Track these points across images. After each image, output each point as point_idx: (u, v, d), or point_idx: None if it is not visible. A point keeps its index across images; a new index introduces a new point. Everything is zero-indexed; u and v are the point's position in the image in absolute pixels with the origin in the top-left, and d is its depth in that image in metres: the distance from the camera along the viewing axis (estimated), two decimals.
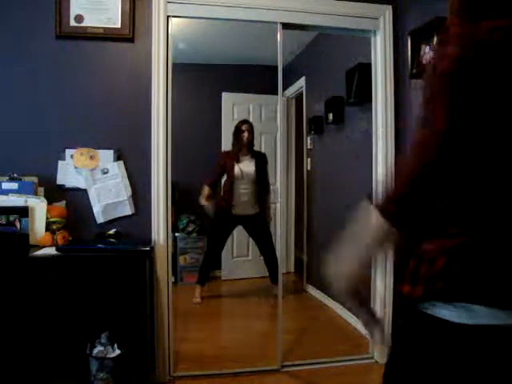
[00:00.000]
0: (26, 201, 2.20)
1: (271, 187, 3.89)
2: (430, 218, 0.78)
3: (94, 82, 2.40)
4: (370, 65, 2.73)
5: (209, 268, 3.91)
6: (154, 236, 2.42)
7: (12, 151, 2.31)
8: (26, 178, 2.28)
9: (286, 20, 2.56)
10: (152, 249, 2.32)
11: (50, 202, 2.27)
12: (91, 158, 2.39)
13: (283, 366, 2.63)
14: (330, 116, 3.63)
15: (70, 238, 2.25)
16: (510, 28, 0.71)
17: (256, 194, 3.78)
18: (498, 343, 0.73)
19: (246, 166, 3.76)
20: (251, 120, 4.08)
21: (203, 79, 4.40)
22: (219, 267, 4.33)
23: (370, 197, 0.84)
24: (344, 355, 2.73)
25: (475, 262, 0.74)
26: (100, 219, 2.40)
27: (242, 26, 2.73)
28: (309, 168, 4.33)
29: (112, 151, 2.41)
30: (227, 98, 4.39)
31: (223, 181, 3.87)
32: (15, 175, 2.26)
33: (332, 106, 3.60)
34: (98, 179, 2.41)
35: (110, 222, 2.41)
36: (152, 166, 2.42)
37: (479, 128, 0.72)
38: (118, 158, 2.42)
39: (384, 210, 0.78)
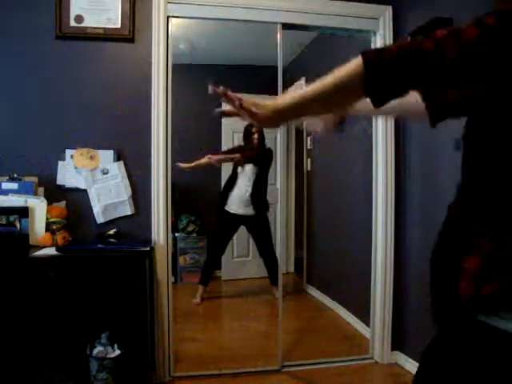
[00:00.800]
0: (26, 201, 2.20)
1: (271, 187, 3.89)
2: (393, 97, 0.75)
3: (94, 82, 2.40)
4: None
5: (212, 268, 3.91)
6: (154, 236, 2.42)
7: (12, 151, 2.31)
8: (26, 178, 2.28)
9: (286, 20, 2.56)
10: (152, 249, 2.32)
11: (50, 202, 2.27)
12: (91, 158, 2.39)
13: (283, 367, 2.62)
14: None
15: (70, 239, 2.25)
16: None
17: (256, 195, 3.78)
18: None
19: (247, 166, 3.76)
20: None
21: (203, 79, 4.38)
22: (219, 267, 4.33)
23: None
24: (344, 355, 2.73)
25: None
26: (100, 219, 2.40)
27: (241, 26, 2.73)
28: (309, 168, 4.33)
29: (112, 151, 2.41)
30: None
31: (224, 181, 3.88)
32: (15, 175, 2.26)
33: None
34: (98, 179, 2.41)
35: (110, 222, 2.41)
36: (152, 166, 2.42)
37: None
38: (118, 158, 2.42)
39: (366, 52, 0.75)
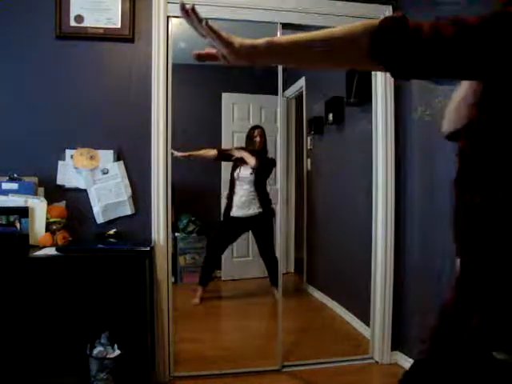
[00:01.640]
0: (26, 201, 2.20)
1: (271, 187, 3.88)
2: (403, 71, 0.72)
3: (94, 82, 2.40)
4: None
5: (210, 268, 3.91)
6: (153, 236, 2.42)
7: (12, 151, 2.31)
8: (26, 178, 2.28)
9: (285, 20, 2.56)
10: (152, 249, 2.32)
11: (49, 202, 2.27)
12: (91, 158, 2.39)
13: (283, 367, 2.62)
14: (330, 116, 3.63)
15: (70, 239, 2.25)
16: None
17: (256, 196, 3.78)
18: None
19: (244, 170, 3.77)
20: (251, 120, 4.07)
21: (203, 79, 4.39)
22: (219, 267, 4.33)
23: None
24: (344, 355, 2.73)
25: None
26: (100, 219, 2.40)
27: (242, 26, 2.73)
28: (309, 168, 4.33)
29: (112, 151, 2.41)
30: (227, 98, 4.38)
31: (224, 182, 3.88)
32: (15, 175, 2.26)
33: (332, 107, 3.60)
34: (98, 179, 2.40)
35: (110, 222, 2.41)
36: (152, 166, 2.42)
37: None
38: (117, 158, 2.42)
39: (384, 21, 0.73)
